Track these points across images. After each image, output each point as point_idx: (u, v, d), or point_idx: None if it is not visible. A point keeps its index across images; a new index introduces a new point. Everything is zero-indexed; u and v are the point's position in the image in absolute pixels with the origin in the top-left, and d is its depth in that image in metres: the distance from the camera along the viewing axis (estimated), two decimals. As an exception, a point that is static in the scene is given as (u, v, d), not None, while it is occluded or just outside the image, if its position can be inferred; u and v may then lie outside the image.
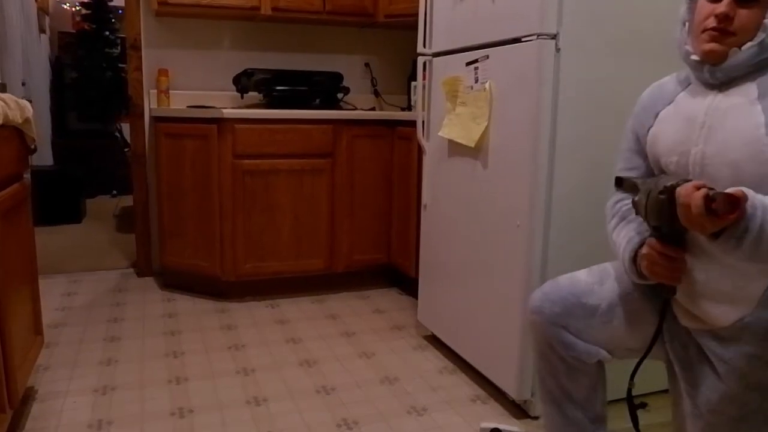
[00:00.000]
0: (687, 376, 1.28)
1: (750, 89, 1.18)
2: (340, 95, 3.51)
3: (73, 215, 4.98)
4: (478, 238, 2.10)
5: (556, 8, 1.73)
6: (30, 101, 1.97)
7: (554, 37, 1.75)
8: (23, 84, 5.07)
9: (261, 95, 3.38)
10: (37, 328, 2.07)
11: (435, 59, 2.38)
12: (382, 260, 3.29)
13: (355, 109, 3.56)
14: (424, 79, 2.46)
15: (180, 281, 3.22)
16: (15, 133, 1.85)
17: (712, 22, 1.19)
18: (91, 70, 6.15)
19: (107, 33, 6.22)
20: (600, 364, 1.48)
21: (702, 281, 1.23)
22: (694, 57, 1.25)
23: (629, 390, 1.43)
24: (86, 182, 5.43)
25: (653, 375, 2.07)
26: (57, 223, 4.85)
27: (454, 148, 2.23)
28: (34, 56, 5.53)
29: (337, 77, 3.46)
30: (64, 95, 6.28)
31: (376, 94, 3.80)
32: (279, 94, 3.29)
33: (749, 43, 1.16)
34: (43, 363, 2.31)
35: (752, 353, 1.17)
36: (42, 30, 6.02)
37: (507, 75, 1.90)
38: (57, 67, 6.38)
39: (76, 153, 5.99)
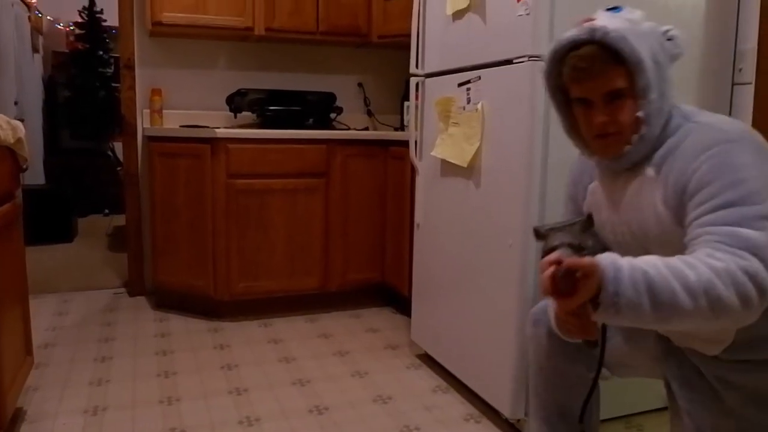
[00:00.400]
0: (684, 393, 1.29)
1: (649, 169, 1.23)
2: (333, 115, 3.53)
3: (65, 234, 4.96)
4: (471, 257, 2.11)
5: (546, 30, 1.76)
6: (22, 120, 1.98)
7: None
8: (16, 103, 5.08)
9: (254, 115, 3.40)
10: (27, 349, 2.06)
11: (428, 80, 2.41)
12: (375, 279, 3.29)
13: (349, 128, 3.58)
14: (416, 99, 2.48)
15: (173, 301, 3.21)
16: (7, 153, 1.85)
17: (596, 130, 1.23)
18: (84, 89, 6.16)
19: (101, 52, 6.24)
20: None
21: (683, 331, 1.26)
22: (594, 157, 1.31)
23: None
24: (78, 201, 5.41)
25: (647, 394, 2.07)
26: (48, 242, 4.82)
27: (447, 168, 2.25)
28: (27, 75, 5.54)
29: (331, 97, 3.48)
30: (57, 114, 6.28)
31: (369, 113, 3.82)
32: (272, 114, 3.30)
33: (635, 137, 1.20)
34: (32, 384, 2.28)
35: (745, 368, 1.18)
36: (35, 49, 6.04)
37: (499, 96, 1.92)
38: (50, 86, 6.39)
39: (68, 171, 5.98)
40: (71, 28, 6.48)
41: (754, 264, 1.01)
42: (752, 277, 1.00)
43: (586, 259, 1.03)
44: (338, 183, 3.14)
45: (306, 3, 3.31)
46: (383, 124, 3.81)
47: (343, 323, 3.05)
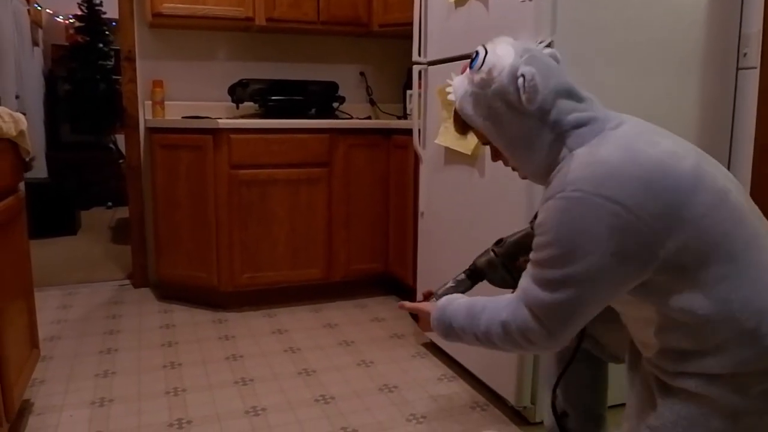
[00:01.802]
0: (629, 375, 1.32)
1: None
2: (335, 104, 3.52)
3: (68, 227, 4.96)
4: (476, 245, 2.10)
5: (549, 17, 1.74)
6: (24, 114, 1.97)
7: (548, 46, 1.76)
8: (17, 97, 5.07)
9: (256, 105, 3.39)
10: (33, 341, 2.06)
11: (430, 68, 2.39)
12: (379, 269, 3.29)
13: (351, 118, 3.57)
14: (419, 87, 2.47)
15: (177, 292, 3.21)
16: (9, 146, 1.84)
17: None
18: (84, 82, 6.15)
19: (101, 45, 6.23)
20: (590, 362, 1.51)
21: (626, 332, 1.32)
22: None
23: (552, 403, 1.54)
24: (81, 194, 5.41)
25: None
26: (52, 235, 4.83)
27: (451, 156, 2.24)
28: (27, 69, 5.53)
29: (333, 86, 3.47)
30: (58, 108, 6.27)
31: (372, 103, 3.81)
32: (274, 104, 3.29)
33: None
34: (39, 376, 2.29)
35: (671, 376, 1.16)
36: (35, 43, 6.02)
37: (502, 82, 1.91)
38: (50, 80, 6.38)
39: (69, 165, 5.98)
40: (71, 21, 6.46)
41: (529, 324, 1.17)
42: (523, 333, 1.19)
43: (423, 305, 1.46)
44: (341, 172, 3.13)
45: (306, -7, 3.29)
46: (386, 113, 3.80)
47: (347, 313, 3.05)
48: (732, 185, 1.14)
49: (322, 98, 3.45)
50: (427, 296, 1.53)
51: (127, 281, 3.58)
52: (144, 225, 3.44)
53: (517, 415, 2.00)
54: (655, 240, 1.07)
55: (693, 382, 1.09)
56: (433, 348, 2.55)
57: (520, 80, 1.18)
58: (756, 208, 1.17)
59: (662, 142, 1.14)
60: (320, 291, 3.25)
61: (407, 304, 1.50)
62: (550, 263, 1.13)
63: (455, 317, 1.32)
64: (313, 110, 3.43)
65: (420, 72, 2.44)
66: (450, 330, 1.33)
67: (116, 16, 3.43)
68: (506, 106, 1.21)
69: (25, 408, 2.05)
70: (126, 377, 2.29)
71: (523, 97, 1.18)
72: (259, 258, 3.03)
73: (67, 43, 6.42)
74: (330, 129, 3.08)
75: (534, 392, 1.90)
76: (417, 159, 2.56)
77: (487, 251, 1.50)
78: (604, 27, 1.80)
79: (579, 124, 1.20)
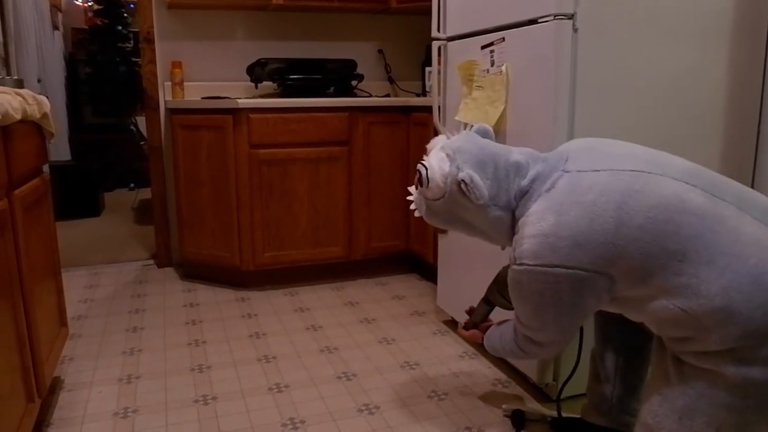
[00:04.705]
0: (655, 351, 1.36)
1: None
2: (354, 83, 3.50)
3: (92, 209, 5.04)
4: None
5: (572, -13, 1.70)
6: (46, 97, 1.99)
7: (571, 17, 1.72)
8: (39, 81, 5.11)
9: (275, 84, 3.38)
10: (61, 320, 2.10)
11: (450, 43, 2.36)
12: (400, 247, 3.30)
13: (370, 96, 3.55)
14: (439, 63, 2.44)
15: (200, 271, 3.25)
16: (34, 128, 1.87)
17: None
18: (104, 65, 6.19)
19: (120, 27, 6.25)
20: (629, 341, 1.56)
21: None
22: None
23: (558, 410, 1.73)
24: (104, 176, 5.48)
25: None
26: (76, 217, 4.90)
27: (471, 133, 2.22)
28: (48, 53, 5.57)
29: (351, 64, 3.45)
30: (79, 91, 6.33)
31: (391, 80, 3.78)
32: (293, 83, 3.28)
33: None
34: (68, 354, 2.34)
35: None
36: (55, 27, 6.06)
37: (524, 57, 1.88)
38: (71, 63, 6.43)
39: (92, 147, 6.05)
40: (89, 4, 6.49)
41: (524, 345, 1.44)
42: (527, 347, 1.44)
43: (475, 334, 1.74)
44: (361, 151, 3.12)
45: (323, -31, 3.26)
46: (404, 90, 3.77)
47: (368, 291, 3.06)
48: (679, 183, 1.19)
49: (340, 76, 3.43)
50: (469, 312, 1.80)
51: (151, 261, 3.63)
52: (166, 205, 3.48)
53: (538, 391, 2.00)
54: (599, 276, 1.21)
55: (698, 359, 1.15)
56: (454, 325, 2.55)
57: (462, 186, 1.34)
58: (726, 184, 1.21)
59: (593, 187, 1.23)
60: (341, 269, 3.26)
61: (464, 333, 1.78)
62: (519, 315, 1.37)
63: (494, 343, 1.59)
64: (332, 88, 3.42)
65: (439, 48, 2.41)
66: (496, 352, 1.59)
67: (134, -3, 3.43)
68: (462, 208, 1.40)
69: (56, 384, 2.10)
70: (152, 354, 2.34)
71: (471, 197, 1.34)
72: (280, 237, 3.05)
73: (86, 26, 6.45)
74: (349, 107, 3.06)
75: (557, 369, 1.90)
76: (437, 136, 2.54)
77: (491, 282, 1.72)
78: (628, -2, 1.76)
79: (522, 194, 1.36)
